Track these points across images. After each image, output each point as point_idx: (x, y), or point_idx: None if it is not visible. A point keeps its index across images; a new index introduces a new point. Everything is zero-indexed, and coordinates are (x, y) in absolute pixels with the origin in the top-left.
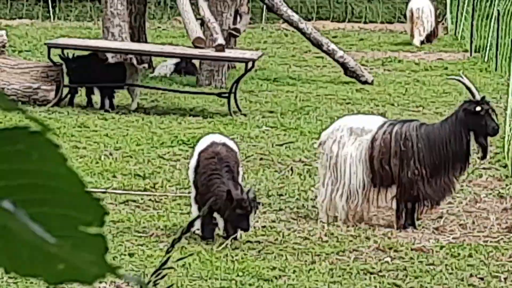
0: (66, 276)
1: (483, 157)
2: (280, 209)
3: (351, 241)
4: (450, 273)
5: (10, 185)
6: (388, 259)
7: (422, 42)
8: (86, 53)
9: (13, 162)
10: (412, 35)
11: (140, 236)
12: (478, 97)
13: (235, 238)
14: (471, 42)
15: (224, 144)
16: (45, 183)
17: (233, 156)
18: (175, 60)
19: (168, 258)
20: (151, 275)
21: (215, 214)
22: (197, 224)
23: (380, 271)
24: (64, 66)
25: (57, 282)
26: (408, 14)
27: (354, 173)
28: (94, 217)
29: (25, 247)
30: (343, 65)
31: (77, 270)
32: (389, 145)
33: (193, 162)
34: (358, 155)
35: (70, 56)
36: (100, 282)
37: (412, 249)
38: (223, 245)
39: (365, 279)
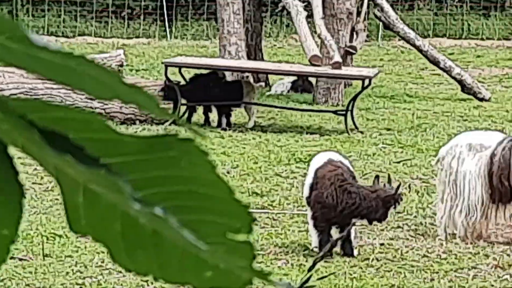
0: (214, 282)
1: None
2: (398, 227)
3: (469, 258)
4: None
5: (160, 191)
6: (507, 276)
7: None
8: (203, 71)
9: (163, 168)
10: None
11: (258, 254)
12: None
13: (353, 256)
14: None
15: (341, 162)
16: (194, 189)
17: (352, 174)
18: (291, 78)
19: (310, 276)
20: None
21: (333, 233)
22: (315, 241)
23: None
24: (177, 88)
25: None
26: None
27: (473, 188)
28: (243, 224)
29: (176, 254)
30: (460, 82)
31: (225, 277)
32: (509, 161)
33: (308, 179)
34: (477, 170)
35: (186, 75)
36: None
37: None
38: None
39: None
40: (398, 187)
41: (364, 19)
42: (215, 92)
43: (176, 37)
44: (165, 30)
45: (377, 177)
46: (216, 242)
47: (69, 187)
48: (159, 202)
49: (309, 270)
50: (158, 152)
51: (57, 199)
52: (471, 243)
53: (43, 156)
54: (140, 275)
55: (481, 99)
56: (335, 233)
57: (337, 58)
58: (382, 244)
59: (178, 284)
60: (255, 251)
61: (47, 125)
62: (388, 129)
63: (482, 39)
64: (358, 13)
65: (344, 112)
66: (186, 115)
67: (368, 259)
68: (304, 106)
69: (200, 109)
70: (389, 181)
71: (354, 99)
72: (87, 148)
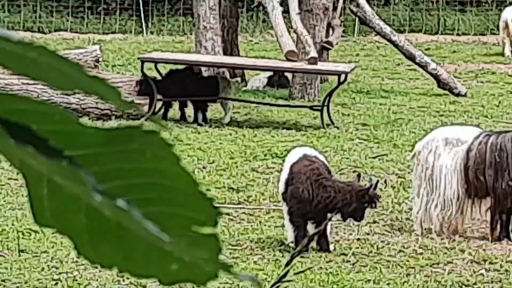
0: (180, 276)
1: None
2: (374, 222)
3: (445, 253)
4: None
5: (124, 184)
6: (483, 271)
7: None
8: (179, 67)
9: (126, 161)
10: (505, 47)
11: (234, 249)
12: None
13: (329, 251)
14: None
15: (316, 157)
16: (158, 182)
17: (327, 168)
18: (268, 73)
19: (287, 271)
20: None
21: (309, 227)
22: (291, 237)
23: (475, 283)
24: (153, 83)
25: (171, 282)
26: (501, 24)
27: (449, 183)
28: (208, 217)
29: (140, 247)
30: (436, 78)
31: (190, 270)
32: (484, 155)
33: (284, 175)
34: (453, 165)
35: (162, 70)
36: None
37: (507, 261)
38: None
39: None
40: (376, 183)
41: (340, 15)
42: (191, 88)
43: (152, 33)
44: (141, 26)
45: (358, 175)
46: (181, 234)
47: (33, 179)
48: (122, 194)
49: (287, 265)
50: (121, 144)
51: None
52: (447, 238)
53: (7, 149)
54: (105, 268)
55: (457, 95)
56: (311, 228)
57: (313, 53)
58: (358, 239)
59: (143, 277)
60: (220, 244)
61: (10, 117)
62: (364, 124)
63: (458, 34)
64: (334, 9)
65: (320, 108)
66: (162, 110)
67: (344, 254)
68: (280, 102)
69: (176, 105)
70: (371, 183)
71: (330, 94)
72: (51, 140)
